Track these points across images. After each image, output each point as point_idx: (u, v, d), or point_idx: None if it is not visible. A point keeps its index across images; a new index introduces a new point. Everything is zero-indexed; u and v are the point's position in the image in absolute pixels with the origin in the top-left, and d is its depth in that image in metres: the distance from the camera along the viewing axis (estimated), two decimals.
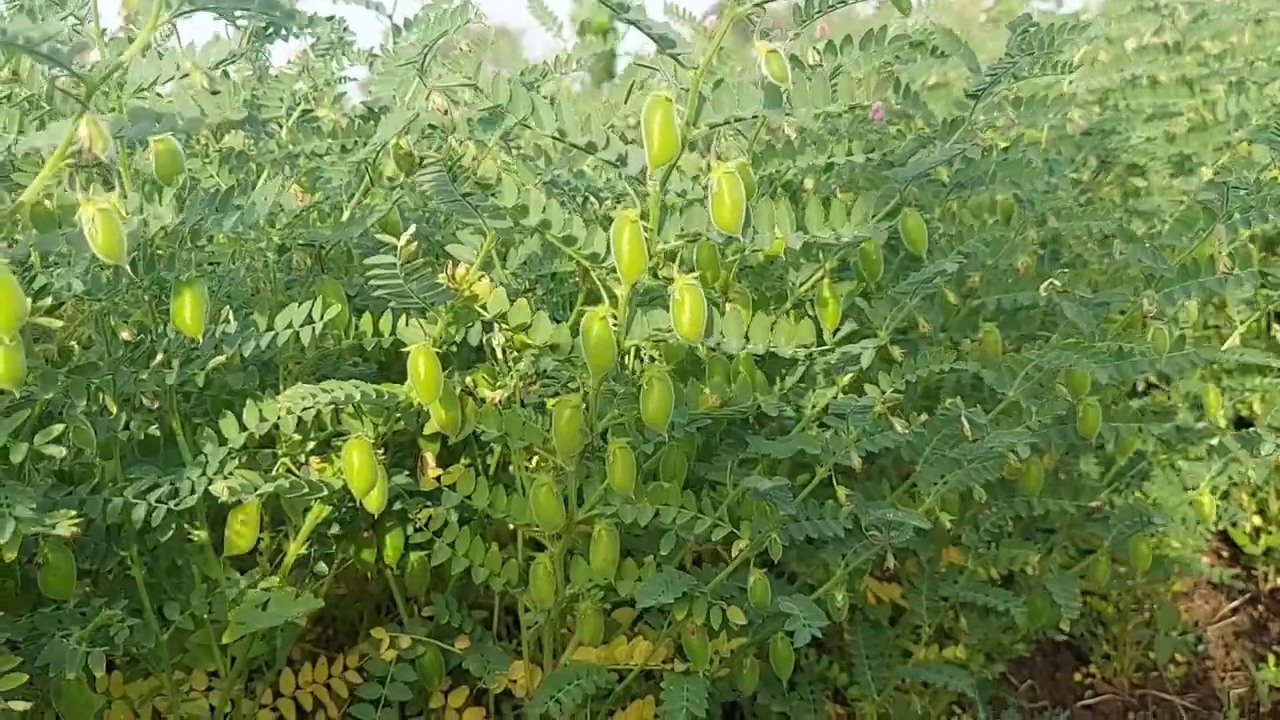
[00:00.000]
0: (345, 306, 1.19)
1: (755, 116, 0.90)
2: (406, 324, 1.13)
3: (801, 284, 1.31)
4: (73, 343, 1.03)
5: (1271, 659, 2.18)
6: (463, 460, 1.37)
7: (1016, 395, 1.29)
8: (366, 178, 1.26)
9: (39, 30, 0.70)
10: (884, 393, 1.20)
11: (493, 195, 0.98)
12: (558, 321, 1.10)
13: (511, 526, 1.42)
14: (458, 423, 1.16)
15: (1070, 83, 1.91)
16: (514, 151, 1.41)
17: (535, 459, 1.29)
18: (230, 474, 1.10)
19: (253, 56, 1.43)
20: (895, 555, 1.25)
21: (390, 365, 1.41)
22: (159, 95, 1.06)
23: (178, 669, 1.27)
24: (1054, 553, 1.71)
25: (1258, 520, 2.46)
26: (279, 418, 1.11)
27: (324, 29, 1.40)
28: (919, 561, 1.65)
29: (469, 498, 1.25)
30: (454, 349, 1.28)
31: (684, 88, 0.92)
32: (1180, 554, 2.14)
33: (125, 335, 1.01)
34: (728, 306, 1.11)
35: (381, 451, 1.18)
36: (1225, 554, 2.58)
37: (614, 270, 1.00)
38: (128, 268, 0.81)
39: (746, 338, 1.05)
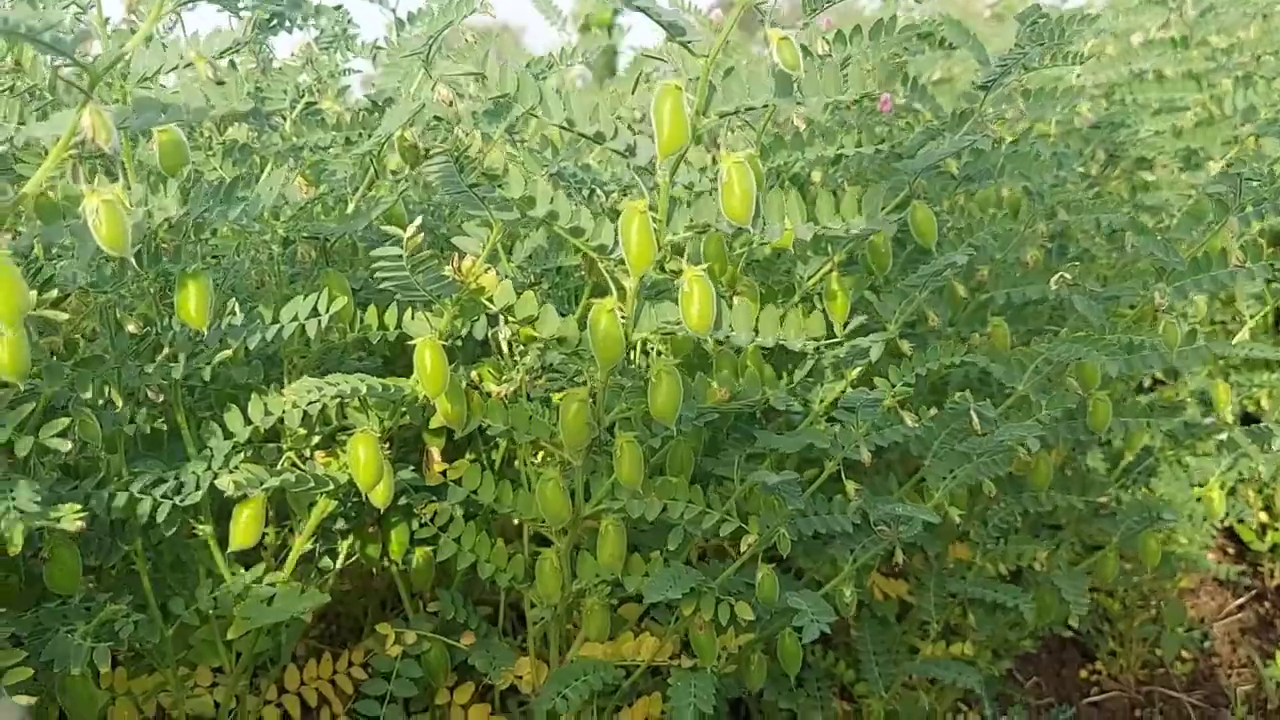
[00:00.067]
0: (350, 299, 1.18)
1: (766, 106, 0.89)
2: (412, 317, 1.12)
3: (809, 277, 1.30)
4: (77, 336, 1.02)
5: (1279, 655, 2.17)
6: (468, 455, 1.37)
7: (1026, 389, 1.28)
8: (371, 170, 1.25)
9: (41, 19, 0.69)
10: (894, 386, 1.18)
11: (499, 186, 0.97)
12: (564, 315, 1.09)
13: (516, 522, 1.42)
14: (464, 417, 1.15)
15: (1077, 76, 1.90)
16: (519, 144, 1.40)
17: (541, 454, 1.28)
18: (235, 468, 1.09)
19: (256, 49, 1.43)
20: (902, 551, 1.24)
21: (395, 360, 1.41)
22: (163, 87, 1.05)
23: (182, 665, 1.26)
24: (1061, 549, 1.70)
25: (1264, 516, 2.45)
26: (284, 412, 1.10)
27: (328, 20, 1.40)
28: (926, 557, 1.64)
29: (475, 492, 1.24)
30: (459, 343, 1.28)
31: (692, 78, 0.92)
32: (1187, 550, 2.13)
33: (131, 328, 1.01)
34: (735, 300, 1.10)
35: (387, 446, 1.18)
36: (1231, 550, 2.57)
37: (622, 262, 1.00)
38: (132, 259, 0.80)
39: (756, 330, 1.04)
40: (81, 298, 1.00)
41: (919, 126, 1.33)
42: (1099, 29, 1.91)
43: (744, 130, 1.23)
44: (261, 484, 1.06)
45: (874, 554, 1.29)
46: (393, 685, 1.32)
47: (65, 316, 0.85)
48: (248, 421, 1.12)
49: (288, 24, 1.33)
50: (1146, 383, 2.31)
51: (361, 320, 1.21)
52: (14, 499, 0.81)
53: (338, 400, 1.12)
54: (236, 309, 1.02)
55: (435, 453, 1.28)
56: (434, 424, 1.26)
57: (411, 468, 1.30)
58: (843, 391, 1.24)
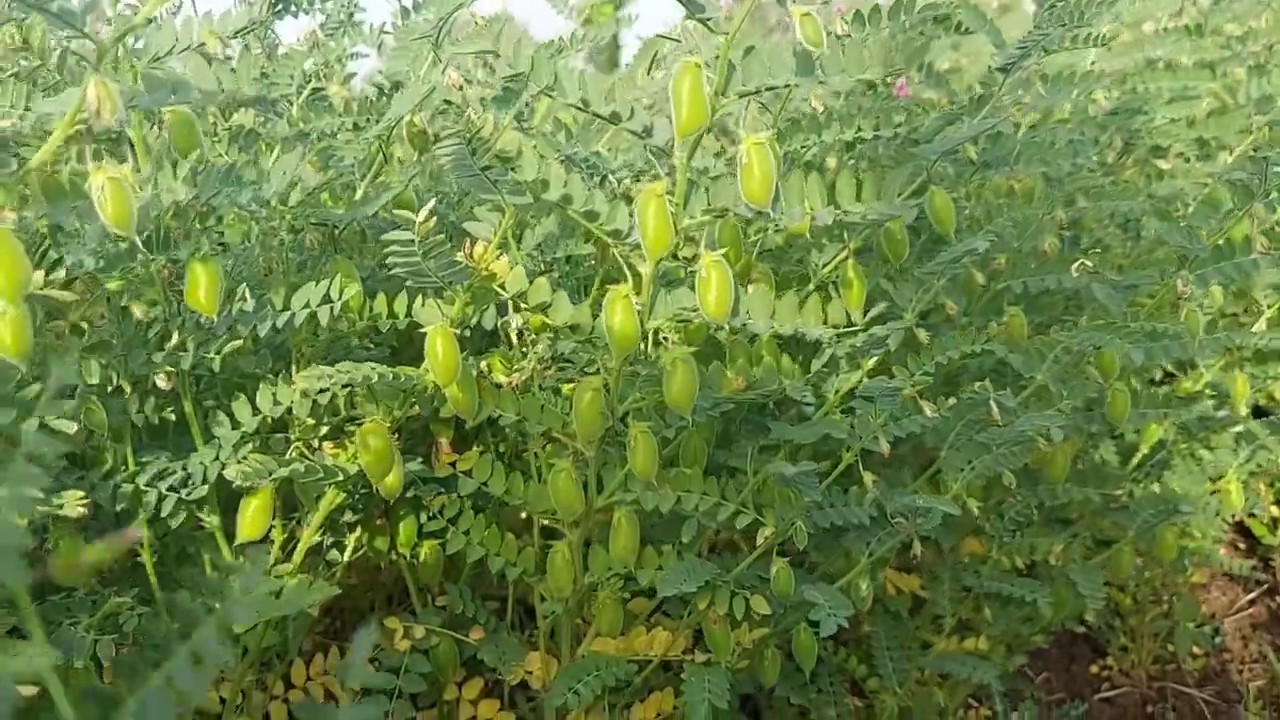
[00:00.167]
0: (360, 286, 1.16)
1: (787, 85, 0.87)
2: (423, 304, 1.10)
3: (824, 265, 1.28)
4: (84, 323, 1.00)
5: None
6: (475, 447, 1.34)
7: (1045, 379, 1.26)
8: (380, 155, 1.23)
9: None
10: (912, 376, 1.16)
11: (512, 169, 0.95)
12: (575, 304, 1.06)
13: (524, 515, 1.40)
14: (475, 406, 1.13)
15: (1092, 63, 1.87)
16: (527, 132, 1.38)
17: (549, 445, 1.26)
18: (243, 459, 1.07)
19: (262, 34, 1.41)
20: (909, 544, 1.22)
21: (403, 351, 1.39)
22: (172, 69, 1.03)
23: None
24: (1075, 542, 1.68)
25: (1275, 510, 2.43)
26: (293, 401, 1.08)
27: (334, 5, 1.38)
28: (939, 551, 1.62)
29: (485, 484, 1.22)
30: (467, 333, 1.26)
31: (702, 64, 0.89)
32: (1199, 545, 2.11)
33: (137, 314, 0.98)
34: (751, 288, 1.08)
35: (395, 437, 1.15)
36: (1242, 545, 2.56)
37: (637, 247, 0.97)
38: (138, 239, 0.78)
39: (773, 318, 1.02)
40: (89, 284, 0.97)
41: (935, 112, 1.31)
42: (1115, 14, 1.88)
43: (762, 114, 1.20)
44: (270, 474, 1.04)
45: (890, 547, 1.27)
46: (401, 680, 1.30)
47: (72, 297, 0.83)
48: (256, 411, 1.10)
49: (294, 8, 1.32)
50: (1156, 376, 2.29)
51: (371, 308, 1.19)
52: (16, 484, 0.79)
53: (347, 389, 1.10)
54: (247, 295, 1.00)
55: (445, 444, 1.26)
56: (444, 414, 1.24)
57: (419, 460, 1.28)
58: (859, 381, 1.22)
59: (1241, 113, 2.09)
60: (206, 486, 1.05)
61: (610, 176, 1.31)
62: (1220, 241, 1.28)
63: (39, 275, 0.77)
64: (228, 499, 1.17)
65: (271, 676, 1.36)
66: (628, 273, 1.01)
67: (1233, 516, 2.03)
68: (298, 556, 1.22)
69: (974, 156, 1.29)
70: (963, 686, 1.75)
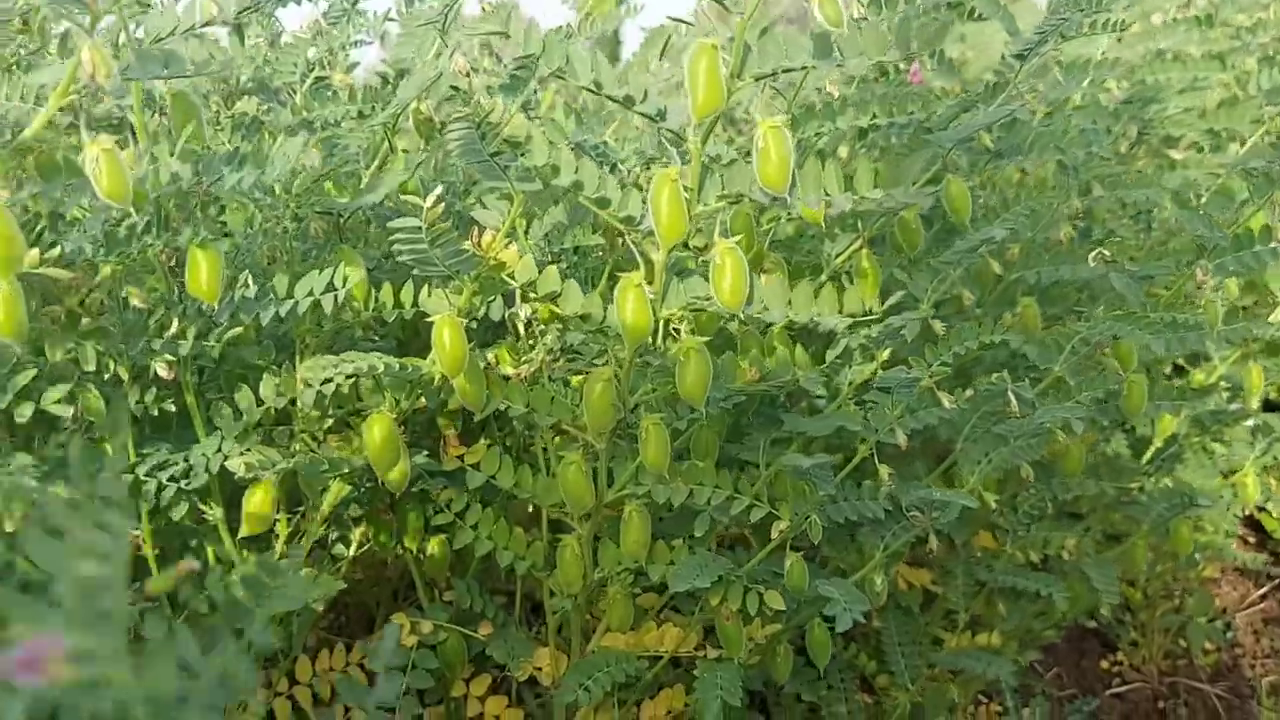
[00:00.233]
0: (365, 276, 1.14)
1: (804, 67, 0.85)
2: (429, 294, 1.08)
3: (837, 255, 1.26)
4: (81, 312, 0.98)
5: None
6: (483, 440, 1.32)
7: (1062, 370, 1.24)
8: (386, 144, 1.21)
9: None
10: (930, 366, 1.14)
11: (522, 154, 0.93)
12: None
13: (531, 509, 1.38)
14: (483, 398, 1.11)
15: (1102, 53, 1.85)
16: (533, 120, 1.35)
17: (558, 438, 1.24)
18: (246, 450, 1.05)
19: (264, 21, 1.39)
20: (925, 538, 1.20)
21: (409, 343, 1.37)
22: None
23: None
24: (1088, 536, 1.66)
25: None
26: (297, 392, 1.06)
27: None
28: (951, 545, 1.60)
29: (494, 477, 1.20)
30: (474, 325, 1.24)
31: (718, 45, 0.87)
32: (1211, 539, 2.09)
33: (136, 301, 0.96)
34: (764, 277, 1.06)
35: (401, 429, 1.13)
36: (1252, 540, 2.54)
37: (650, 234, 0.95)
38: (135, 214, 0.76)
39: (789, 307, 1.00)
40: (89, 271, 0.95)
41: (949, 99, 1.29)
42: (1128, 2, 1.86)
43: (774, 101, 1.18)
44: (274, 466, 1.02)
45: (905, 542, 1.25)
46: (408, 676, 1.28)
47: (69, 275, 0.81)
48: (259, 402, 1.08)
49: None
50: (1166, 370, 2.27)
51: (376, 299, 1.16)
52: (10, 471, 0.77)
53: (352, 380, 1.08)
54: (249, 282, 0.97)
55: (452, 436, 1.24)
56: (450, 407, 1.22)
57: (425, 453, 1.26)
58: (874, 373, 1.20)
59: (1253, 104, 2.07)
60: (208, 477, 1.03)
61: (620, 165, 1.29)
62: (1239, 231, 1.26)
63: (34, 254, 0.75)
64: (231, 492, 1.15)
65: (276, 673, 1.34)
66: (640, 261, 0.99)
67: (1243, 510, 2.02)
68: (303, 550, 1.20)
69: (989, 145, 1.27)
70: (973, 682, 1.73)
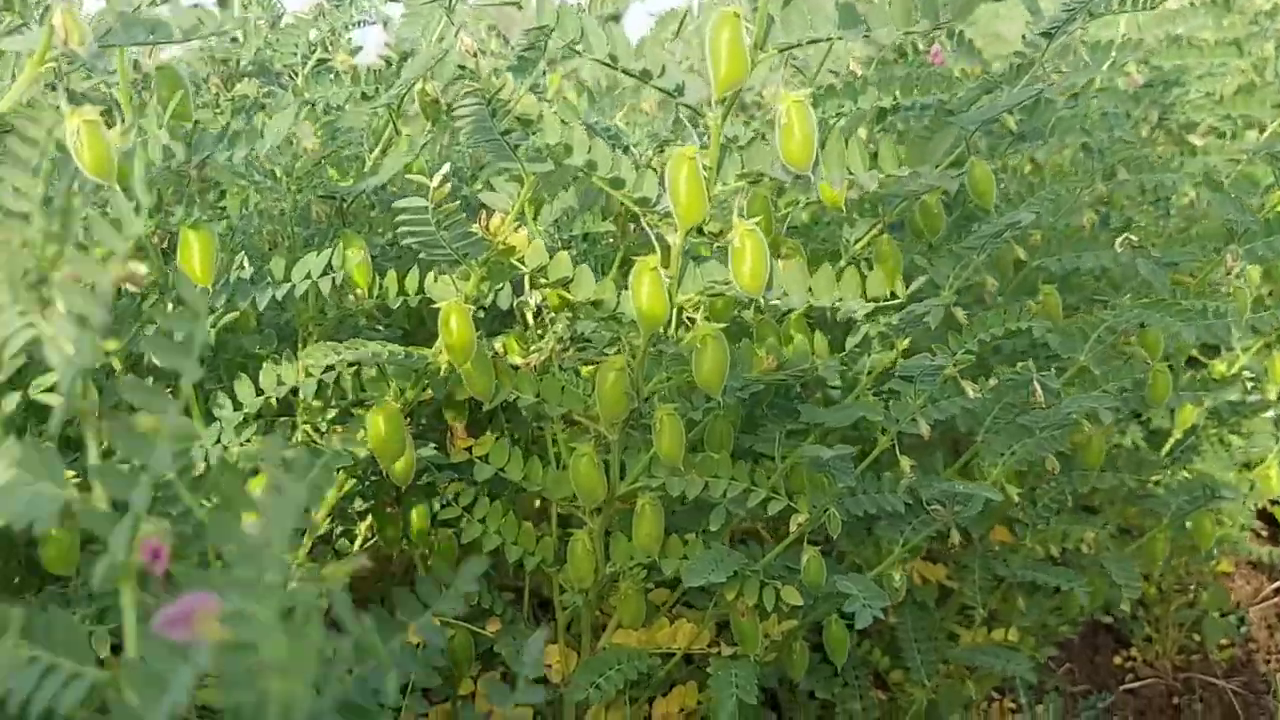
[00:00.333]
0: (368, 260, 1.10)
1: (829, 38, 0.81)
2: (436, 280, 1.04)
3: (857, 241, 1.22)
4: None
5: None
6: (490, 432, 1.29)
7: (1087, 360, 1.20)
8: (391, 126, 1.17)
9: None
10: (954, 354, 1.11)
11: (533, 133, 0.89)
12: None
13: (539, 503, 1.34)
14: (491, 388, 1.08)
15: (1123, 36, 1.81)
16: (543, 100, 1.31)
17: (568, 430, 1.20)
18: (246, 441, 1.02)
19: (265, 3, 1.35)
20: (948, 533, 1.17)
21: (415, 333, 1.33)
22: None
23: None
24: (1106, 529, 1.63)
25: None
26: (299, 381, 1.02)
27: None
28: (969, 540, 1.56)
29: (502, 470, 1.17)
30: (481, 314, 1.20)
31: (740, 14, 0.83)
32: (1227, 532, 2.06)
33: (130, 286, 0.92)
34: (782, 263, 1.02)
35: (407, 420, 1.10)
36: (1264, 533, 2.50)
37: (666, 216, 0.92)
38: (117, 186, 0.72)
39: (810, 292, 0.96)
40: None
41: (970, 81, 1.25)
42: None
43: (794, 79, 1.14)
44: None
45: (924, 536, 1.22)
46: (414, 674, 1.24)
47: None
48: (259, 391, 1.04)
49: None
50: (1181, 361, 2.23)
51: (380, 285, 1.13)
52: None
53: (355, 369, 1.04)
54: (245, 263, 0.94)
55: (459, 428, 1.20)
56: (458, 397, 1.18)
57: (432, 445, 1.23)
58: (893, 362, 1.16)
59: (1270, 90, 2.03)
60: (205, 468, 0.99)
61: (632, 149, 1.25)
62: (1269, 215, 1.23)
63: None
64: None
65: None
66: (655, 244, 0.95)
67: (1255, 504, 1.98)
68: (305, 545, 1.16)
69: (1012, 128, 1.23)
70: (987, 679, 1.70)
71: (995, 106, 1.11)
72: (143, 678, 0.43)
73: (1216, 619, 2.06)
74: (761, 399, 1.29)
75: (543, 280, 1.01)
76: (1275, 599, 2.30)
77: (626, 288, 0.97)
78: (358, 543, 1.26)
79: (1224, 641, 2.11)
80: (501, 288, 1.16)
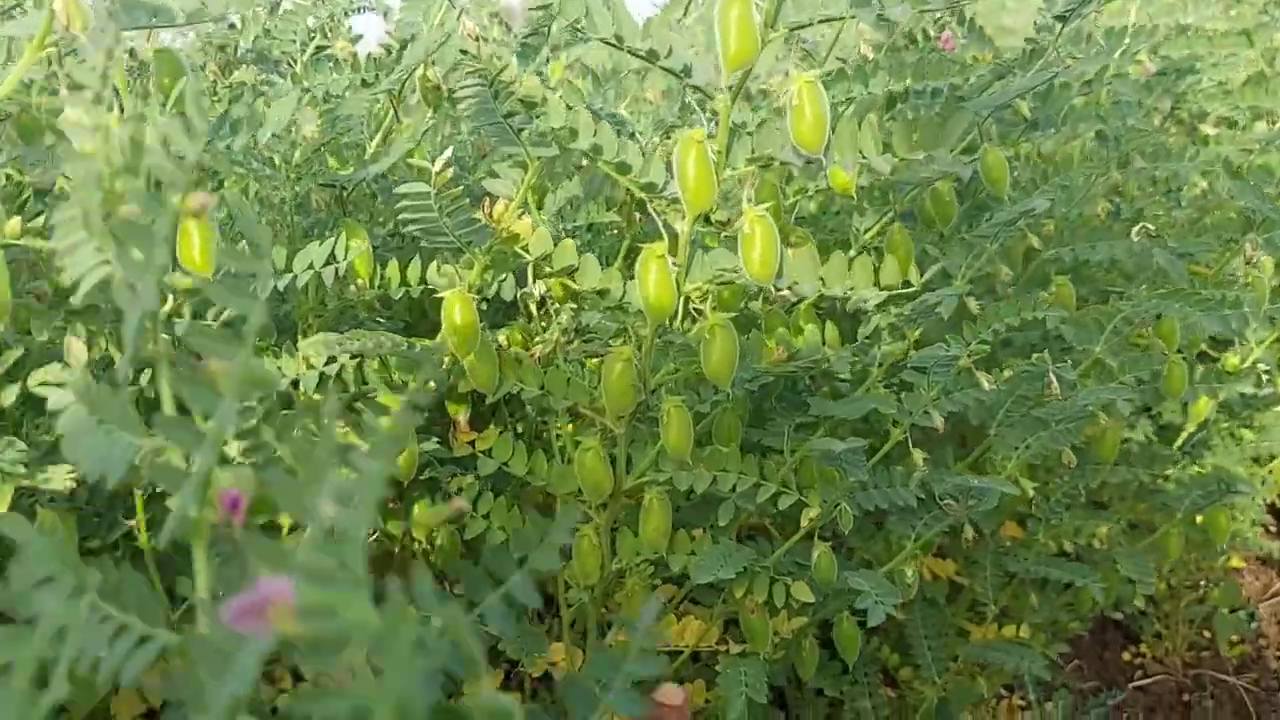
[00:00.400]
0: (370, 250, 1.07)
1: (842, 17, 0.79)
2: (438, 270, 1.02)
3: (867, 230, 1.20)
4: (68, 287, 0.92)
5: None
6: (493, 427, 1.27)
7: (1102, 351, 1.18)
8: (392, 113, 1.15)
9: None
10: (968, 345, 1.08)
11: (537, 117, 0.87)
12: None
13: (542, 499, 1.32)
14: (494, 379, 1.05)
15: (1134, 24, 1.79)
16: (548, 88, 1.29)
17: (573, 423, 1.18)
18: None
19: None
20: (960, 529, 1.14)
21: (416, 325, 1.31)
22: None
23: None
24: (1118, 524, 1.61)
25: None
26: (298, 374, 1.00)
27: None
28: (980, 535, 1.54)
29: (506, 464, 1.14)
30: (485, 305, 1.18)
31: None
32: (1238, 528, 2.03)
33: None
34: (792, 251, 1.00)
35: None
36: (1274, 528, 2.48)
37: (674, 202, 0.89)
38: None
39: (822, 281, 0.94)
40: None
41: (982, 66, 1.23)
42: None
43: (804, 62, 1.12)
44: (275, 452, 0.96)
45: (936, 531, 1.19)
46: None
47: (53, 246, 0.75)
48: None
49: None
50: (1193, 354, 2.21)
51: (382, 276, 1.10)
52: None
53: (357, 361, 1.02)
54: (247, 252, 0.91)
55: (462, 422, 1.18)
56: (460, 390, 1.16)
57: (435, 439, 1.20)
58: (905, 353, 1.14)
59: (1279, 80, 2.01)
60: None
61: (636, 136, 1.23)
62: None
63: (14, 224, 0.69)
64: None
65: (280, 668, 1.29)
66: (663, 234, 0.93)
67: (1263, 499, 1.96)
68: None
69: (1026, 114, 1.20)
70: (997, 676, 1.68)
71: (1009, 91, 1.09)
72: (209, 657, 0.39)
73: (1227, 615, 2.04)
74: (770, 391, 1.27)
75: (547, 269, 0.98)
76: None
77: (633, 277, 0.95)
78: None
79: (1235, 638, 2.08)
80: (505, 278, 1.14)
